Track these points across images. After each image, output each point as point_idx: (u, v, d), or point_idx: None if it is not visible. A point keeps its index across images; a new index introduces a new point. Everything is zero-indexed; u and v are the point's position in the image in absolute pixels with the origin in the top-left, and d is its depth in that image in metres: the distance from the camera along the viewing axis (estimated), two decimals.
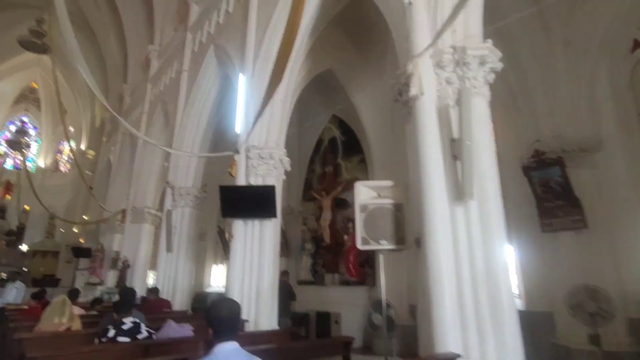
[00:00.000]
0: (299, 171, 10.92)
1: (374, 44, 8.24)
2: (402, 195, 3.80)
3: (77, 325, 3.91)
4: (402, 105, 3.98)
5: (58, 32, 13.86)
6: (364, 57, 8.51)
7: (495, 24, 4.68)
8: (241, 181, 6.04)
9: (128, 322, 3.25)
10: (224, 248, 12.43)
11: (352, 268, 8.57)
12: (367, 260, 8.60)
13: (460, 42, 3.51)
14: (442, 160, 3.31)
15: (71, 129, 25.40)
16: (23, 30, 15.70)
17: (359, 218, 3.72)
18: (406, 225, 3.71)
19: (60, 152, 25.24)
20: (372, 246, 3.67)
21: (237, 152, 6.12)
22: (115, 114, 7.74)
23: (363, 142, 9.50)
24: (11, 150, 20.02)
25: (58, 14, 7.30)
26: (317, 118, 10.49)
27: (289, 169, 6.47)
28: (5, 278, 16.02)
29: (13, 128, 23.05)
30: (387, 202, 3.77)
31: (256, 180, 5.99)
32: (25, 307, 7.17)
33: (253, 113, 6.17)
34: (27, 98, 24.90)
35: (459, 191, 3.09)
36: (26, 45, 13.28)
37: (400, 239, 3.67)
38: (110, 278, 12.64)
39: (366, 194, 3.90)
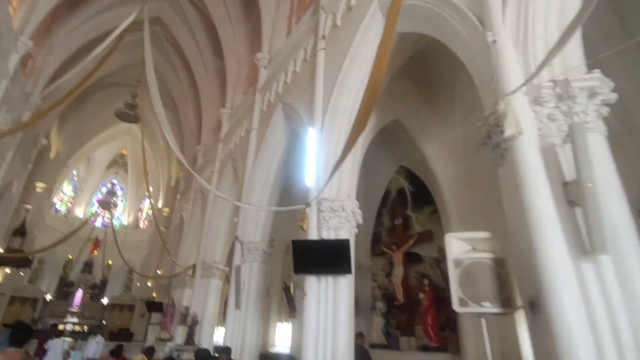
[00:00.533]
0: (366, 224, 10.46)
1: (442, 92, 8.07)
2: (502, 248, 3.31)
3: None
4: (491, 149, 3.62)
5: (147, 104, 15.72)
6: (432, 105, 8.33)
7: (589, 58, 4.27)
8: (313, 235, 5.85)
9: None
10: (289, 305, 12.08)
11: (431, 331, 7.70)
12: (448, 323, 7.71)
13: (560, 75, 3.16)
14: (555, 207, 2.83)
15: (150, 188, 27.99)
16: (117, 104, 18.05)
17: (453, 275, 3.26)
18: (512, 284, 3.16)
19: (141, 210, 27.50)
20: (473, 309, 3.15)
21: (308, 205, 6.01)
22: (191, 169, 8.21)
23: (435, 192, 9.00)
24: (101, 210, 22.10)
25: (150, 89, 8.23)
26: (384, 169, 10.26)
27: (361, 221, 6.18)
28: (87, 331, 16.99)
29: (104, 190, 25.79)
30: (485, 256, 3.28)
31: (328, 234, 5.76)
32: None
33: (324, 166, 6.14)
34: (117, 163, 28.07)
35: (585, 244, 2.57)
36: (121, 116, 15.18)
37: (506, 300, 3.12)
38: (180, 334, 12.72)
39: (458, 247, 3.46)
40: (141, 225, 27.03)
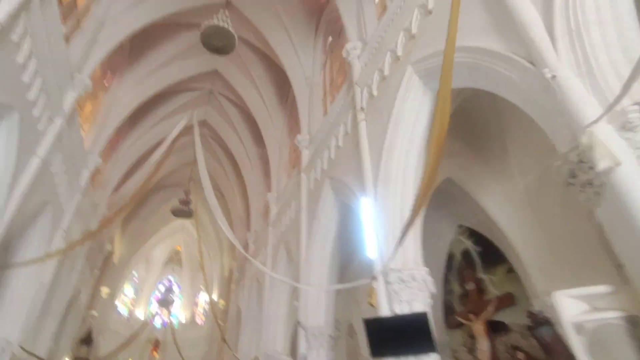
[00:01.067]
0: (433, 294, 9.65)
1: (492, 141, 7.79)
2: (631, 303, 2.72)
3: None
4: (580, 188, 3.22)
5: (199, 199, 16.59)
6: (483, 157, 8.01)
7: None
8: (384, 311, 5.33)
9: None
10: None
11: None
12: None
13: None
14: None
15: (203, 282, 28.24)
16: (171, 204, 19.19)
17: (578, 344, 2.68)
18: None
19: (197, 304, 27.45)
20: None
21: (374, 278, 5.59)
22: (245, 253, 8.11)
23: (505, 248, 8.20)
24: (160, 309, 22.25)
25: (202, 181, 8.66)
26: (443, 232, 9.66)
27: (434, 290, 5.61)
28: None
29: (162, 288, 26.31)
30: (613, 315, 2.70)
31: (401, 308, 5.22)
32: None
33: (384, 235, 5.84)
34: (172, 260, 28.98)
35: None
36: (177, 213, 16.01)
37: None
38: None
39: (572, 307, 2.90)
40: (198, 321, 26.71)
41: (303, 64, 12.93)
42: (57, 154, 9.20)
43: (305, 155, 11.04)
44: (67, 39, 8.89)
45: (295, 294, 9.02)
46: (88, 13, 9.97)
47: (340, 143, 8.62)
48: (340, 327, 9.18)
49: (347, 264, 9.15)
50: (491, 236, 8.65)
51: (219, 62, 15.29)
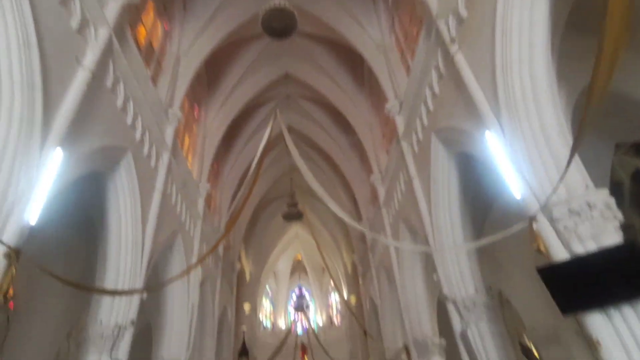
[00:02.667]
0: None
1: None
2: None
3: None
4: None
5: (306, 204, 16.83)
6: None
7: None
8: (559, 255, 4.18)
9: None
10: None
11: None
12: None
13: None
14: None
15: (331, 282, 28.71)
16: (280, 214, 19.89)
17: None
18: None
19: (330, 305, 28.03)
20: None
21: (533, 220, 4.46)
22: (359, 227, 7.51)
23: None
24: (297, 314, 23.11)
25: (302, 171, 8.39)
26: (597, 156, 7.77)
27: (621, 217, 4.24)
28: None
29: (294, 296, 27.54)
30: None
31: (584, 247, 4.02)
32: None
33: (529, 169, 4.69)
34: (296, 269, 30.22)
35: None
36: (287, 216, 16.43)
37: None
38: None
39: None
40: (335, 322, 27.21)
41: (370, 32, 12.07)
42: (172, 186, 9.93)
43: (400, 121, 10.12)
44: (154, 80, 9.56)
45: (430, 266, 8.12)
46: (164, 53, 10.67)
47: (437, 90, 7.54)
48: (493, 296, 7.97)
49: (482, 220, 7.93)
50: None
51: (288, 65, 15.30)
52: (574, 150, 3.73)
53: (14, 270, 3.96)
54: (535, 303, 10.18)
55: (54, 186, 5.17)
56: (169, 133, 9.69)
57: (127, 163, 7.51)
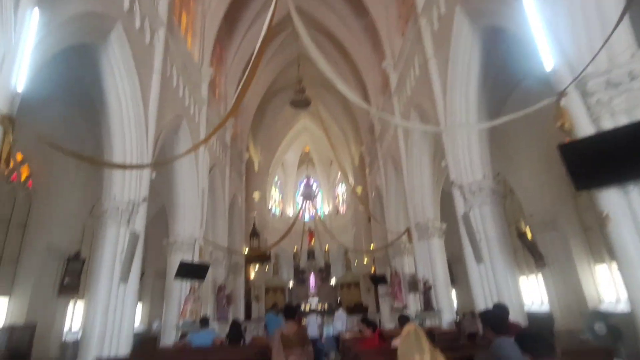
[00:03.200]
0: None
1: None
2: None
3: None
4: None
5: (314, 94, 16.11)
6: None
7: None
8: (584, 132, 3.90)
9: None
10: (532, 254, 9.86)
11: None
12: None
13: None
14: None
15: (339, 174, 29.51)
16: (287, 104, 19.32)
17: None
18: None
19: (336, 196, 29.32)
20: None
21: (562, 95, 4.06)
22: (364, 105, 7.21)
23: None
24: (306, 202, 24.26)
25: (309, 50, 7.70)
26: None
27: None
28: (327, 309, 18.86)
29: (302, 187, 28.64)
30: None
31: (615, 121, 3.71)
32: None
33: (564, 36, 4.10)
34: (304, 161, 30.79)
35: None
36: (295, 103, 16.03)
37: None
38: (412, 301, 12.24)
39: None
40: (340, 210, 28.76)
41: None
42: (172, 68, 9.36)
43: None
44: None
45: (439, 154, 7.99)
46: None
47: None
48: (499, 182, 7.97)
49: (500, 104, 7.50)
50: None
51: None
52: (626, 8, 3.14)
53: (10, 138, 3.84)
54: (536, 194, 10.37)
55: (40, 53, 4.79)
56: (163, 5, 8.73)
57: (118, 36, 6.88)
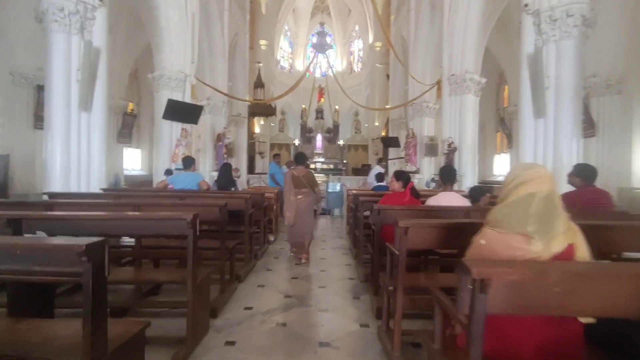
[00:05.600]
0: None
1: None
2: None
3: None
4: None
5: None
6: None
7: None
8: None
9: None
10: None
11: None
12: None
13: None
14: None
15: (357, 27, 25.78)
16: None
17: None
18: None
19: (352, 53, 26.30)
20: None
21: None
22: None
23: None
24: (317, 57, 21.57)
25: None
26: None
27: None
28: (333, 169, 18.38)
29: (314, 39, 25.33)
30: None
31: None
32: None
33: None
34: (319, 9, 26.61)
35: None
36: None
37: None
38: (426, 165, 11.30)
39: None
40: (355, 69, 26.13)
41: None
42: None
43: None
44: None
45: None
46: None
47: None
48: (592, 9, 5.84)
49: None
50: None
51: None
52: None
53: None
54: (609, 46, 8.22)
55: None
56: None
57: None
